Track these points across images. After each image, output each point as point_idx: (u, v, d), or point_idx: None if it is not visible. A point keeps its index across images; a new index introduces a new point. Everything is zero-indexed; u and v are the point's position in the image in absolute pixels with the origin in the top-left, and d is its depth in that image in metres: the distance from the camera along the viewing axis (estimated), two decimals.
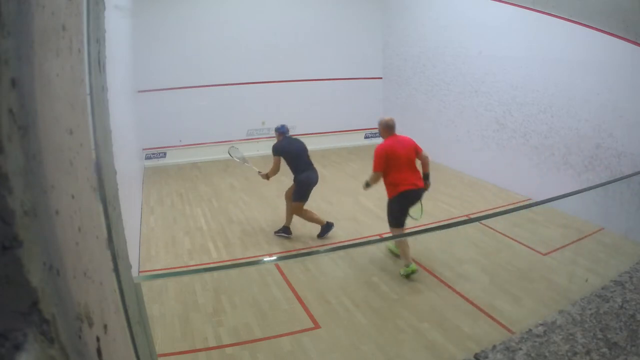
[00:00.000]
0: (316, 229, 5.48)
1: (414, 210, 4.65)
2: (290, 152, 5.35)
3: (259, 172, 5.69)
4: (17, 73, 0.45)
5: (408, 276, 4.38)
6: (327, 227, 5.39)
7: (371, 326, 3.73)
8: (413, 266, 4.38)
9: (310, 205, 5.37)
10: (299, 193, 5.29)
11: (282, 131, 5.55)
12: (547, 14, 6.03)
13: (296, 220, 5.51)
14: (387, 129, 4.70)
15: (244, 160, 6.04)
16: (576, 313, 1.54)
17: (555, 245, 5.03)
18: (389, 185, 4.60)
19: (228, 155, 6.25)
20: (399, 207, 4.58)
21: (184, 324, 3.80)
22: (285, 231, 5.53)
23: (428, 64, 8.80)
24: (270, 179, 5.60)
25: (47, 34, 0.56)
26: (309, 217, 5.37)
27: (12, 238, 0.43)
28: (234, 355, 3.42)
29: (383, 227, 5.76)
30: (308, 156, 5.44)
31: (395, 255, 4.75)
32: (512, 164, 7.01)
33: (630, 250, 4.87)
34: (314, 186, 5.38)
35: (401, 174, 4.51)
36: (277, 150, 5.36)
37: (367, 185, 4.72)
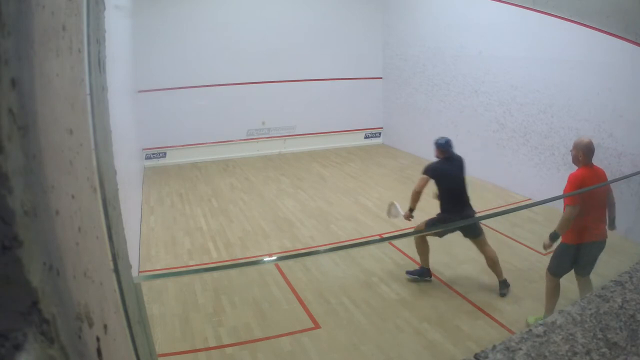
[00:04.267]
0: (317, 229, 5.46)
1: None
2: (449, 179, 4.27)
3: (405, 216, 4.41)
4: (17, 73, 0.45)
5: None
6: (421, 273, 4.36)
7: (371, 326, 3.73)
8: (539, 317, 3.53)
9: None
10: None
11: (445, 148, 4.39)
12: (547, 14, 6.03)
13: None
14: (589, 154, 3.46)
15: (397, 214, 4.61)
16: (576, 313, 1.54)
17: (556, 245, 5.02)
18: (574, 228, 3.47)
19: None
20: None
21: (184, 324, 3.80)
22: (422, 274, 4.42)
23: (428, 64, 8.80)
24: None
25: (47, 34, 0.56)
26: (423, 250, 4.35)
27: (12, 238, 0.43)
28: (234, 355, 3.42)
29: (383, 227, 5.77)
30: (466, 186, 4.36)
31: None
32: (512, 164, 7.01)
33: (630, 250, 4.88)
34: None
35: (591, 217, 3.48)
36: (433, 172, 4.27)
37: (556, 237, 3.49)
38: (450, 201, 4.20)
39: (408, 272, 4.39)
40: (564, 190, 3.54)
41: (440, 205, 4.31)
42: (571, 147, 3.57)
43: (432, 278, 4.36)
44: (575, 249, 3.51)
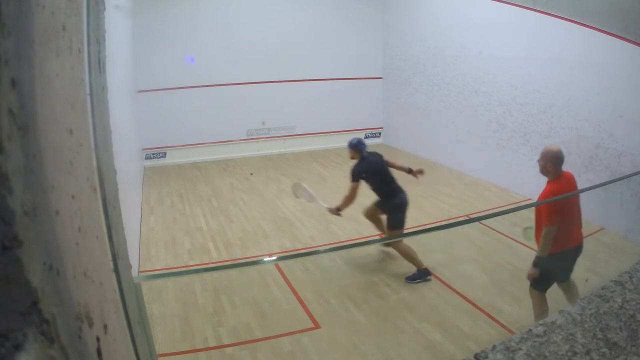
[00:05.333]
0: (317, 229, 5.46)
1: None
2: (375, 173, 4.52)
3: (329, 209, 4.68)
4: (17, 73, 0.45)
5: None
6: (423, 274, 4.37)
7: (371, 326, 3.73)
8: None
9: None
10: (396, 219, 4.50)
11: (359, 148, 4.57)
12: (547, 14, 6.03)
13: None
14: (559, 163, 3.39)
15: (310, 198, 4.96)
16: (576, 313, 1.54)
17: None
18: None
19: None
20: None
21: (184, 324, 3.80)
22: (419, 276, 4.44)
23: (428, 64, 8.80)
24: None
25: (47, 34, 0.56)
26: (409, 254, 4.40)
27: (12, 238, 0.43)
28: (234, 355, 3.42)
29: None
30: (391, 173, 4.60)
31: None
32: (512, 164, 7.01)
33: (630, 250, 4.88)
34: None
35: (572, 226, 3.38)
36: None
37: (540, 262, 3.39)
38: (384, 191, 4.50)
39: (408, 279, 4.37)
40: (542, 209, 3.35)
41: (379, 199, 4.60)
42: (539, 157, 3.42)
43: (432, 277, 4.35)
44: (556, 259, 3.36)
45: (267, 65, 9.44)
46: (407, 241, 4.49)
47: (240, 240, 5.51)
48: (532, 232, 3.54)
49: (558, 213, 3.27)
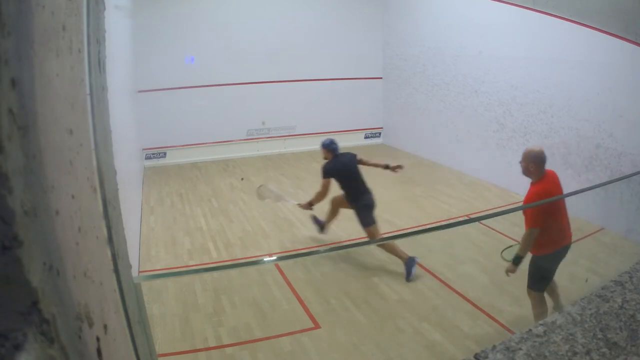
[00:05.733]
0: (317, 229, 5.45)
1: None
2: (345, 173, 4.71)
3: (300, 205, 5.03)
4: (17, 73, 0.45)
5: None
6: (411, 263, 4.47)
7: (371, 326, 3.73)
8: None
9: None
10: (365, 217, 4.70)
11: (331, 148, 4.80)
12: (547, 14, 6.03)
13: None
14: (541, 164, 3.36)
15: (277, 198, 5.22)
16: (576, 313, 1.54)
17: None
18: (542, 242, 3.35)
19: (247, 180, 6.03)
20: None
21: (184, 324, 3.80)
22: (319, 224, 5.18)
23: (428, 64, 8.80)
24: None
25: (47, 34, 0.56)
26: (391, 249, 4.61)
27: (12, 238, 0.43)
28: (234, 355, 3.42)
29: (383, 227, 5.77)
30: (361, 174, 4.77)
31: None
32: (512, 164, 7.00)
33: (630, 250, 4.87)
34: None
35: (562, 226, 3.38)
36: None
37: (520, 260, 3.36)
38: (351, 190, 4.70)
39: (407, 278, 4.40)
40: (527, 211, 3.36)
41: (346, 198, 4.76)
42: (520, 159, 3.42)
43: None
44: (550, 259, 3.40)
45: (267, 65, 9.44)
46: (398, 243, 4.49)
47: (240, 240, 5.51)
48: (512, 251, 3.53)
49: (542, 216, 3.26)
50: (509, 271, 3.39)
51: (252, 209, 6.53)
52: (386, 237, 5.47)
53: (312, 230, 5.55)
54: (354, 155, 4.79)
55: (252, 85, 9.45)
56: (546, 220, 3.27)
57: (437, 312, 3.91)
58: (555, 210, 3.32)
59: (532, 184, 3.40)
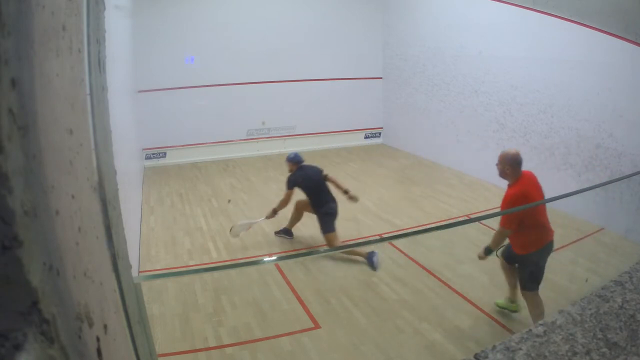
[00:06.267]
0: (317, 229, 5.44)
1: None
2: (308, 183, 5.00)
3: (267, 217, 5.29)
4: (17, 73, 0.45)
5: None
6: (371, 257, 4.72)
7: (371, 326, 3.73)
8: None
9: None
10: (327, 223, 4.93)
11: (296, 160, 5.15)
12: (547, 14, 6.03)
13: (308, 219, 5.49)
14: (516, 166, 3.46)
15: (248, 226, 5.50)
16: (576, 313, 1.54)
17: (555, 245, 5.02)
18: (526, 241, 3.48)
19: (230, 201, 6.28)
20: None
21: (184, 324, 3.80)
22: (286, 232, 5.51)
23: (428, 64, 8.80)
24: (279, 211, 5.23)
25: (47, 34, 0.56)
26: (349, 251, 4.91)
27: (12, 238, 0.43)
28: (234, 355, 3.42)
29: (383, 227, 5.78)
30: (325, 183, 5.04)
31: (513, 311, 3.82)
32: None
33: (630, 250, 4.87)
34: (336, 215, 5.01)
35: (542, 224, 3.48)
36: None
37: (489, 252, 3.54)
38: (314, 200, 4.98)
39: (374, 269, 4.63)
40: (501, 208, 3.47)
41: (311, 207, 5.04)
42: (496, 162, 3.49)
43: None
44: (536, 256, 3.45)
45: (267, 65, 9.44)
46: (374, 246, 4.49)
47: (240, 240, 5.51)
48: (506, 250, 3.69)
49: (516, 218, 3.32)
50: (479, 257, 3.59)
51: (252, 209, 6.53)
52: (387, 237, 5.47)
53: (312, 230, 5.54)
54: (320, 171, 5.12)
55: (252, 85, 9.45)
56: (524, 221, 3.33)
57: (437, 312, 3.91)
58: (534, 210, 3.36)
59: (509, 185, 3.48)
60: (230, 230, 5.39)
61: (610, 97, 5.39)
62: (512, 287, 3.74)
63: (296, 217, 5.34)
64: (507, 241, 3.58)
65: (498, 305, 3.88)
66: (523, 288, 3.48)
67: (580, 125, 5.84)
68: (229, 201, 6.90)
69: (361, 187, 7.42)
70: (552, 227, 3.49)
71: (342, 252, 4.93)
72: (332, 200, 5.00)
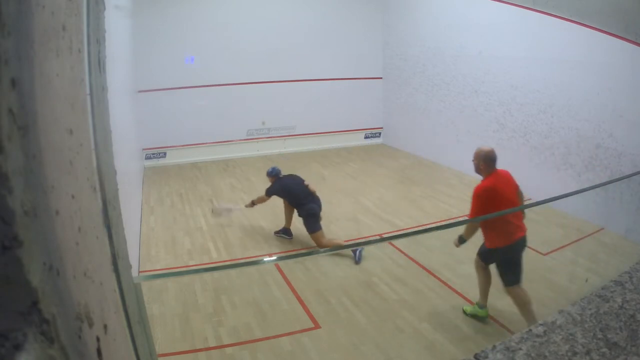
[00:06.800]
0: None
1: None
2: (286, 191, 5.32)
3: (246, 205, 5.74)
4: (17, 73, 0.45)
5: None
6: (355, 250, 4.93)
7: (371, 326, 3.73)
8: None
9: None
10: (311, 224, 5.10)
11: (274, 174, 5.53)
12: (547, 14, 6.03)
13: (298, 219, 5.50)
14: (490, 162, 3.68)
15: (229, 210, 5.94)
16: (576, 313, 1.55)
17: (555, 245, 5.02)
18: (494, 235, 3.61)
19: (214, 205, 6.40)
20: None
21: (184, 324, 3.80)
22: (285, 232, 5.53)
23: (428, 64, 8.80)
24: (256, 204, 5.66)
25: (47, 34, 0.56)
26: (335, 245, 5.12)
27: (12, 238, 0.43)
28: (234, 355, 3.42)
29: (383, 227, 5.78)
30: (305, 187, 5.29)
31: (482, 316, 3.79)
32: (512, 164, 6.99)
33: (630, 250, 4.87)
34: (319, 215, 5.15)
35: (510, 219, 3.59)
36: (270, 192, 5.41)
37: (463, 240, 3.68)
38: (296, 203, 5.19)
39: (357, 262, 4.80)
40: (471, 205, 3.58)
41: (295, 210, 5.26)
42: (472, 157, 3.69)
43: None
44: (508, 250, 3.53)
45: (267, 65, 9.44)
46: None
47: (240, 240, 5.51)
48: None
49: (481, 209, 3.49)
50: (455, 244, 3.74)
51: (252, 209, 6.52)
52: (387, 237, 5.47)
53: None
54: (301, 179, 5.39)
55: (252, 85, 9.45)
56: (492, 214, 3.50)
57: (437, 312, 3.91)
58: (501, 205, 3.49)
59: (482, 180, 3.68)
60: (212, 211, 5.79)
61: (610, 97, 5.39)
62: (483, 291, 3.78)
63: (288, 212, 5.47)
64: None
65: (466, 313, 3.84)
66: (505, 285, 3.55)
67: (580, 125, 5.84)
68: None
69: (361, 187, 7.42)
70: (524, 225, 3.60)
71: (328, 245, 5.08)
72: (313, 201, 5.17)
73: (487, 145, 3.75)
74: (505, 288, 3.56)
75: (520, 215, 3.64)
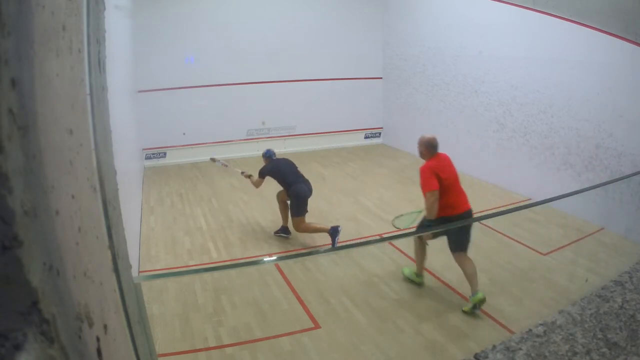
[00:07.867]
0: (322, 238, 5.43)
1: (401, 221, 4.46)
2: (277, 170, 5.48)
3: (242, 172, 5.91)
4: (17, 73, 0.45)
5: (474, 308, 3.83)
6: (334, 233, 5.17)
7: (371, 326, 3.73)
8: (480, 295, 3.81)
9: (311, 205, 5.35)
10: (295, 207, 5.23)
11: (268, 155, 5.74)
12: (547, 14, 6.03)
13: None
14: (431, 148, 4.06)
15: (224, 164, 6.33)
16: (576, 313, 1.55)
17: (555, 245, 5.03)
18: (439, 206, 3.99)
19: (215, 160, 6.63)
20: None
21: (184, 324, 3.80)
22: (284, 231, 5.53)
23: (428, 64, 8.80)
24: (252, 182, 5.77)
25: (47, 34, 0.56)
26: (313, 229, 5.27)
27: (12, 238, 0.43)
28: (234, 355, 3.42)
29: (383, 227, 5.77)
30: (297, 169, 5.51)
31: (417, 283, 4.29)
32: (512, 164, 7.01)
33: (630, 250, 4.87)
34: (307, 198, 5.28)
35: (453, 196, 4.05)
36: (263, 173, 5.56)
37: (429, 223, 4.00)
38: (285, 182, 5.34)
39: (333, 245, 5.11)
40: (421, 184, 4.00)
41: (285, 191, 5.41)
42: (417, 143, 4.12)
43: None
44: (458, 218, 4.01)
45: (267, 65, 9.44)
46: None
47: (240, 240, 5.51)
48: (403, 220, 4.45)
49: (434, 179, 3.88)
50: (426, 237, 4.08)
51: (252, 209, 6.53)
52: (387, 237, 5.46)
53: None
54: (292, 163, 5.64)
55: (252, 85, 9.45)
56: (438, 187, 3.90)
57: (437, 312, 3.91)
58: (444, 180, 3.93)
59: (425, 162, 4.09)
60: (210, 159, 6.44)
61: (610, 97, 5.39)
62: (420, 261, 4.24)
63: (283, 208, 5.55)
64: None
65: (404, 273, 4.36)
66: (452, 251, 3.96)
67: (580, 125, 5.84)
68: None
69: (361, 187, 7.42)
70: (469, 203, 4.12)
71: (307, 232, 5.29)
72: (303, 182, 5.34)
73: (429, 133, 4.19)
74: (453, 254, 3.96)
75: (465, 193, 4.15)
